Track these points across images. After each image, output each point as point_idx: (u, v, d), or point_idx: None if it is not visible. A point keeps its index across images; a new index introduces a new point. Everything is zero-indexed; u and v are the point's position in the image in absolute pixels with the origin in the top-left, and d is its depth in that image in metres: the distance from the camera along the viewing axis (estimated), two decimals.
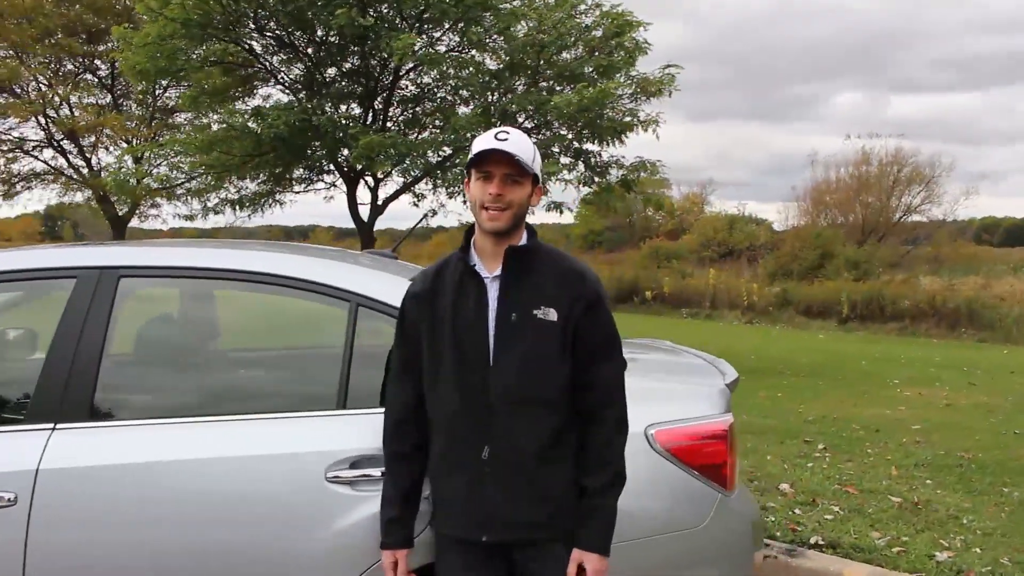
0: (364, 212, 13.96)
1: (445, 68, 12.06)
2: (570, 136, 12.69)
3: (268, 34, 11.92)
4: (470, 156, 2.19)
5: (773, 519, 4.77)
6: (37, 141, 19.99)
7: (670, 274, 24.09)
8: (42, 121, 19.11)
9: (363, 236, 14.03)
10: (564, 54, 12.49)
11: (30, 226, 53.09)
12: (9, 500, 2.36)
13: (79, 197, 21.23)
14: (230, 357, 3.10)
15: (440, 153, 12.38)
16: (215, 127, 12.74)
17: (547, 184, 12.41)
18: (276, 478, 2.42)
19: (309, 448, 2.44)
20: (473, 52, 12.92)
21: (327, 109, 11.89)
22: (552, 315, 2.20)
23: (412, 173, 12.83)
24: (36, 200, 56.54)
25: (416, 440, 2.28)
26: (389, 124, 13.43)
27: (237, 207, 13.72)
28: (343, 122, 11.11)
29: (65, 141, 19.84)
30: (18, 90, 18.63)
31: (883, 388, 9.95)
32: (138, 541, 2.39)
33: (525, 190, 2.22)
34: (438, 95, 13.49)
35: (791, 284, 21.23)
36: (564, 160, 12.57)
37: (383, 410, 2.35)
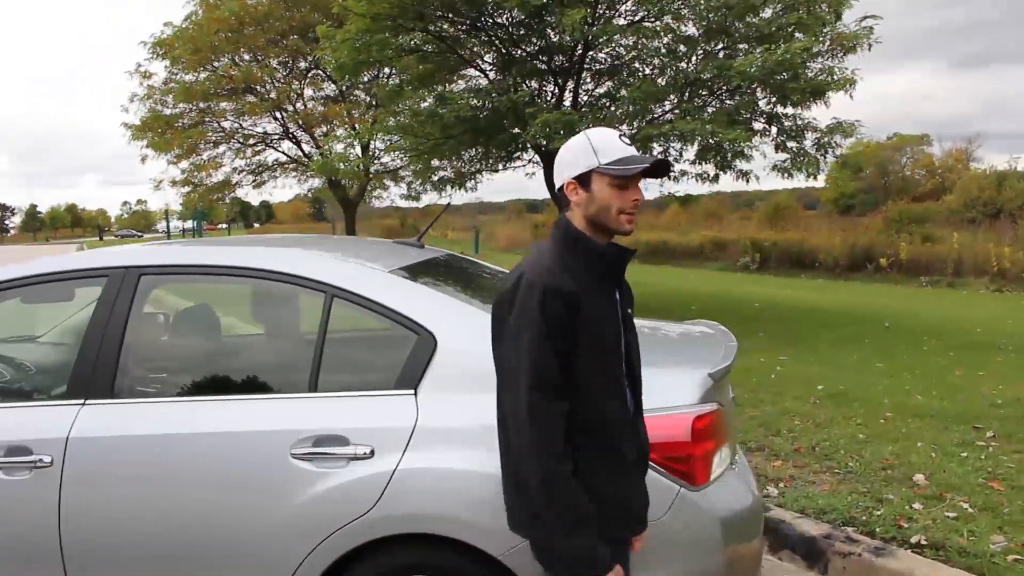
0: None
1: (629, 40, 11.86)
2: (770, 99, 12.05)
3: (458, 21, 12.34)
4: (608, 159, 2.14)
5: (880, 513, 4.40)
6: (277, 134, 22.17)
7: (911, 239, 22.09)
8: (279, 116, 21.14)
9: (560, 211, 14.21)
10: (763, 12, 11.87)
11: (300, 209, 59.07)
12: (47, 462, 2.82)
13: (317, 183, 23.39)
14: (224, 344, 3.42)
15: (632, 125, 12.25)
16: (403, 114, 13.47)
17: (738, 151, 11.92)
18: (247, 453, 2.70)
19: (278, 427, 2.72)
20: (667, 19, 12.60)
21: (519, 89, 12.12)
22: None
23: None
24: (280, 187, 62.87)
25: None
26: (584, 98, 13.47)
27: (440, 187, 14.41)
28: (524, 100, 11.27)
29: (300, 132, 21.78)
30: (259, 89, 20.66)
31: None
32: (140, 497, 2.78)
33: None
34: (632, 66, 13.31)
35: None
36: (756, 126, 12.00)
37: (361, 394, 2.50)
